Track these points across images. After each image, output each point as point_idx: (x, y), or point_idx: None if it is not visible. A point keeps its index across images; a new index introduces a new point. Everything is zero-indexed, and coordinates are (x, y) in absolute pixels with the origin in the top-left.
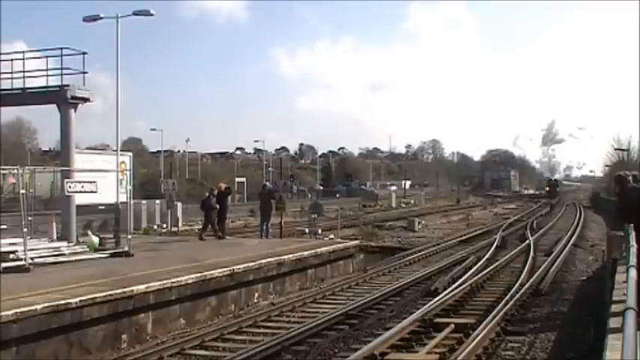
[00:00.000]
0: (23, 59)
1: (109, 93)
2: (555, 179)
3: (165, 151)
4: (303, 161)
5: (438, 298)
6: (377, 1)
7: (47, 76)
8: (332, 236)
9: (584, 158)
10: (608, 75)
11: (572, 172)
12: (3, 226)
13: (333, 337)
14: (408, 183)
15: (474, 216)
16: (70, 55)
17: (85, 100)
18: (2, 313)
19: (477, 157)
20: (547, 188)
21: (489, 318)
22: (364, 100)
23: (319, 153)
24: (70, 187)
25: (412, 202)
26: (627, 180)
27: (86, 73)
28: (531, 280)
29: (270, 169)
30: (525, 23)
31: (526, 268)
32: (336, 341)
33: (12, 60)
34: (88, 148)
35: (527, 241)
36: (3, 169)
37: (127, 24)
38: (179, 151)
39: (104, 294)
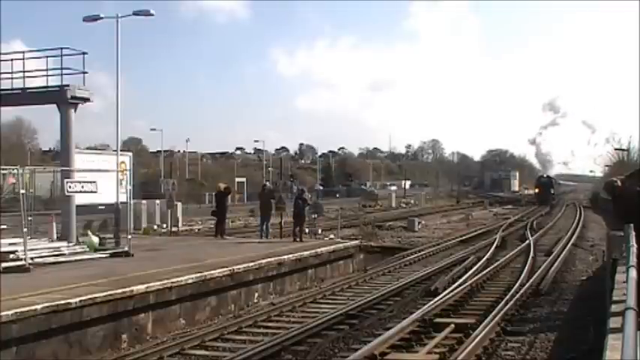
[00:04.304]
0: (23, 59)
1: (108, 93)
2: (548, 176)
3: (165, 151)
4: (303, 161)
5: (438, 298)
6: (378, 0)
7: (47, 76)
8: (332, 236)
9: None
10: (609, 75)
11: (565, 167)
12: (3, 226)
13: (333, 337)
14: (408, 183)
15: (473, 216)
16: (70, 55)
17: (85, 100)
18: (2, 313)
19: (477, 157)
20: (536, 189)
21: (489, 318)
22: (364, 99)
23: (319, 153)
24: (70, 187)
25: (412, 202)
26: (617, 186)
27: (86, 73)
28: (531, 280)
29: (270, 169)
30: (526, 23)
31: (526, 268)
32: (336, 341)
33: (12, 60)
34: (88, 148)
35: (527, 241)
36: (3, 169)
37: (127, 24)
38: (179, 151)
39: (104, 294)
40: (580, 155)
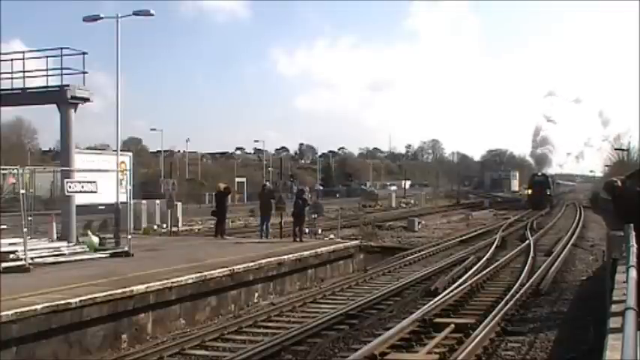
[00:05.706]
0: (23, 59)
1: (108, 93)
2: (544, 174)
3: (165, 151)
4: (303, 161)
5: (438, 298)
6: (378, 0)
7: (47, 76)
8: (332, 236)
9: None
10: (609, 75)
11: (566, 166)
12: (3, 226)
13: (333, 337)
14: (408, 183)
15: (473, 216)
16: (70, 55)
17: (85, 100)
18: (2, 313)
19: (477, 157)
20: (529, 190)
21: (489, 318)
22: (364, 99)
23: (319, 153)
24: (70, 187)
25: (412, 202)
26: (617, 186)
27: (86, 73)
28: (531, 280)
29: (270, 169)
30: (526, 23)
31: (526, 268)
32: (336, 341)
33: (12, 60)
34: (88, 148)
35: (527, 241)
36: (3, 169)
37: (127, 24)
38: (179, 151)
39: (104, 294)
40: (586, 152)
